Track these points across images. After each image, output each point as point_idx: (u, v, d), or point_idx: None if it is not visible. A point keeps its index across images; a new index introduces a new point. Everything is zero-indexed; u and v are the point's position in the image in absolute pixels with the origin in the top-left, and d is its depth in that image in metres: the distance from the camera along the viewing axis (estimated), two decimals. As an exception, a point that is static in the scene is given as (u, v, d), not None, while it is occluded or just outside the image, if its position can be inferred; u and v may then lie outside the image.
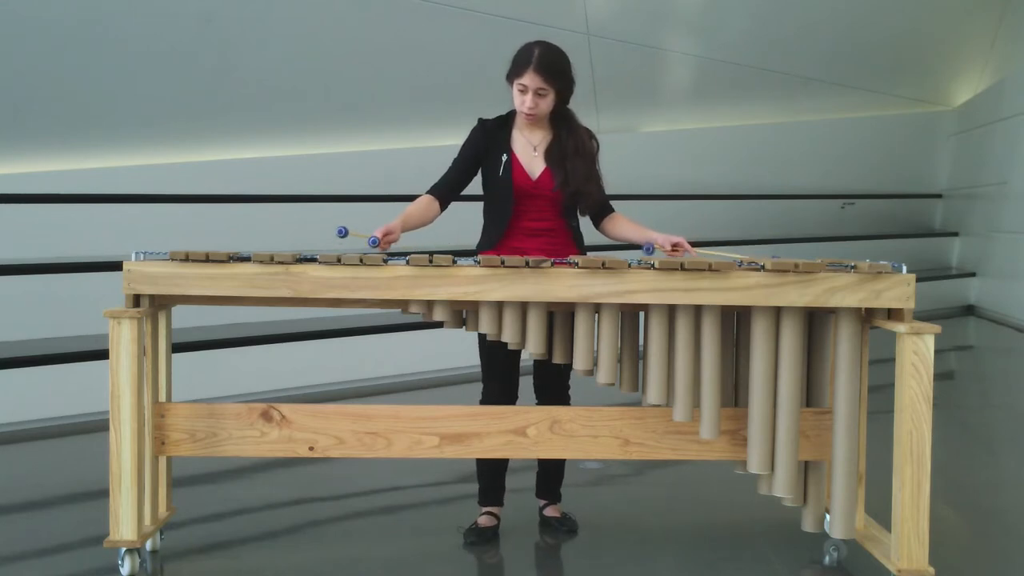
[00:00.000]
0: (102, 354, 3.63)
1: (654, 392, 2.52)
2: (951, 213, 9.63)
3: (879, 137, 9.16)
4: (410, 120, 6.54)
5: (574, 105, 2.85)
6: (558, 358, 2.60)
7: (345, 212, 5.68)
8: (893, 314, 2.47)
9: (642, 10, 7.27)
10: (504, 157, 2.78)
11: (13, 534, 2.92)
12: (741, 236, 7.54)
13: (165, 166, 5.77)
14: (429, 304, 2.51)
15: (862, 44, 8.35)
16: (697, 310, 2.50)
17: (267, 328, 5.01)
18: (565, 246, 2.81)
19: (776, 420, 2.50)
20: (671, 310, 2.51)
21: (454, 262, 2.44)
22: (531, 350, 2.54)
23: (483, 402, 2.79)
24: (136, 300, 2.48)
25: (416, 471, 3.46)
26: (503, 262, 2.42)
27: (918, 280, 2.48)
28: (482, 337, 2.72)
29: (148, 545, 2.67)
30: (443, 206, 2.81)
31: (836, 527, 2.52)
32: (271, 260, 2.43)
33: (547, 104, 2.74)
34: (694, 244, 2.71)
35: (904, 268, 2.44)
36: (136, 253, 2.46)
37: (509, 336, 2.51)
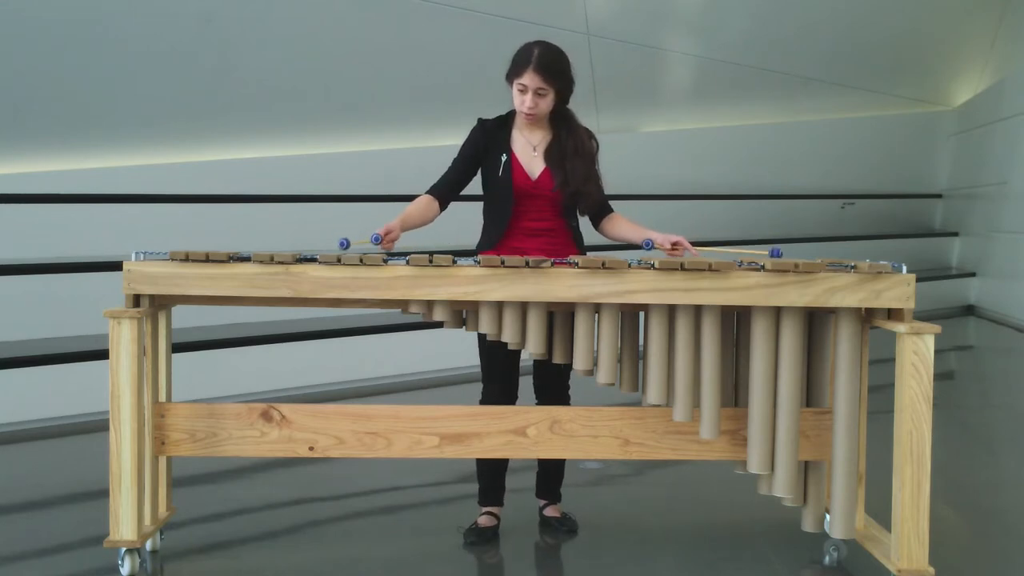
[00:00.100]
0: (102, 354, 3.63)
1: (654, 392, 2.52)
2: (951, 213, 9.63)
3: (879, 137, 9.16)
4: (410, 120, 6.54)
5: (574, 105, 2.85)
6: (558, 358, 2.60)
7: (345, 212, 5.71)
8: (893, 314, 2.47)
9: (642, 10, 7.27)
10: (504, 157, 2.78)
11: (13, 534, 2.92)
12: (741, 236, 7.54)
13: (165, 166, 5.77)
14: (429, 304, 2.51)
15: (862, 44, 8.35)
16: (697, 310, 2.50)
17: (267, 328, 5.01)
18: (565, 246, 2.81)
19: (776, 420, 2.50)
20: (671, 310, 2.51)
21: (454, 262, 2.44)
22: (531, 350, 2.54)
23: (483, 402, 2.79)
24: (136, 300, 2.48)
25: (416, 471, 3.46)
26: (503, 262, 2.42)
27: (918, 280, 2.48)
28: (482, 337, 2.72)
29: (148, 545, 2.67)
30: (443, 206, 2.81)
31: (836, 527, 2.52)
32: (271, 260, 2.43)
33: (547, 104, 2.74)
34: (694, 244, 2.71)
35: (904, 268, 2.45)
36: (136, 253, 2.46)
37: (509, 336, 2.51)
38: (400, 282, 2.43)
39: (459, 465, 3.31)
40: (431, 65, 6.37)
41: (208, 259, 2.44)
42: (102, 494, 2.56)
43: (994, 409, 5.16)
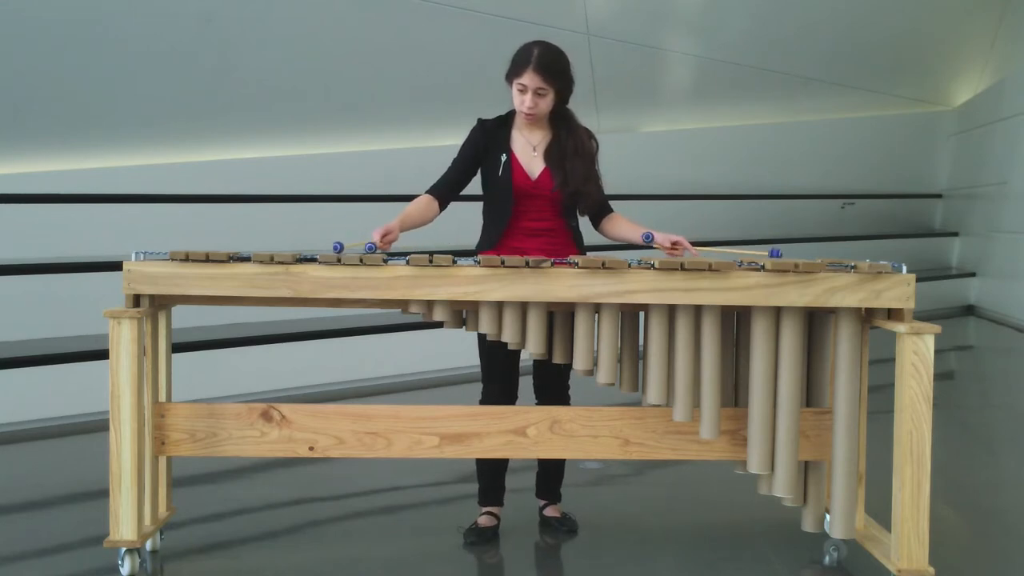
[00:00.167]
0: (102, 354, 3.63)
1: (654, 392, 2.52)
2: (951, 213, 9.63)
3: (879, 137, 9.16)
4: (410, 120, 6.54)
5: (574, 105, 2.85)
6: (558, 358, 2.60)
7: (345, 212, 5.70)
8: (893, 314, 2.47)
9: (642, 10, 7.27)
10: (503, 157, 2.78)
11: (13, 534, 2.92)
12: (741, 236, 7.54)
13: (165, 166, 5.77)
14: (429, 304, 2.51)
15: (862, 44, 8.35)
16: (697, 310, 2.50)
17: (267, 328, 5.01)
18: (565, 246, 2.81)
19: (776, 420, 2.50)
20: (671, 310, 2.51)
21: (454, 262, 2.44)
22: (531, 350, 2.54)
23: (483, 402, 2.79)
24: (136, 300, 2.48)
25: (416, 471, 3.46)
26: (503, 262, 2.42)
27: (918, 280, 2.48)
28: (482, 337, 2.72)
29: (148, 545, 2.67)
30: (442, 206, 2.81)
31: (836, 527, 2.52)
32: (271, 260, 2.43)
33: (546, 104, 2.74)
34: (694, 244, 2.71)
35: (904, 268, 2.45)
36: (136, 253, 2.46)
37: (509, 336, 2.51)
38: (400, 282, 2.43)
39: (459, 465, 3.31)
40: (431, 65, 6.37)
41: (208, 259, 2.44)
42: (102, 494, 2.56)
43: (994, 409, 5.16)
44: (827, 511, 2.61)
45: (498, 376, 2.80)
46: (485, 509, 2.90)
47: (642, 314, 2.56)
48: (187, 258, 2.44)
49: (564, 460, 2.97)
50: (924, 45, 8.87)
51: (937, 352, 2.39)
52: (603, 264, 2.42)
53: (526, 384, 2.84)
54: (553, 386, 2.87)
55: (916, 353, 2.36)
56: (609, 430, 2.60)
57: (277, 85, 5.90)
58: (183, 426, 2.57)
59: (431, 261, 2.43)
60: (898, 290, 2.41)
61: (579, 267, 2.43)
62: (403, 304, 2.52)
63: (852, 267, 2.43)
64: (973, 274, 8.85)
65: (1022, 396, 5.55)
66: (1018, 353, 7.01)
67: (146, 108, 5.54)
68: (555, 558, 2.79)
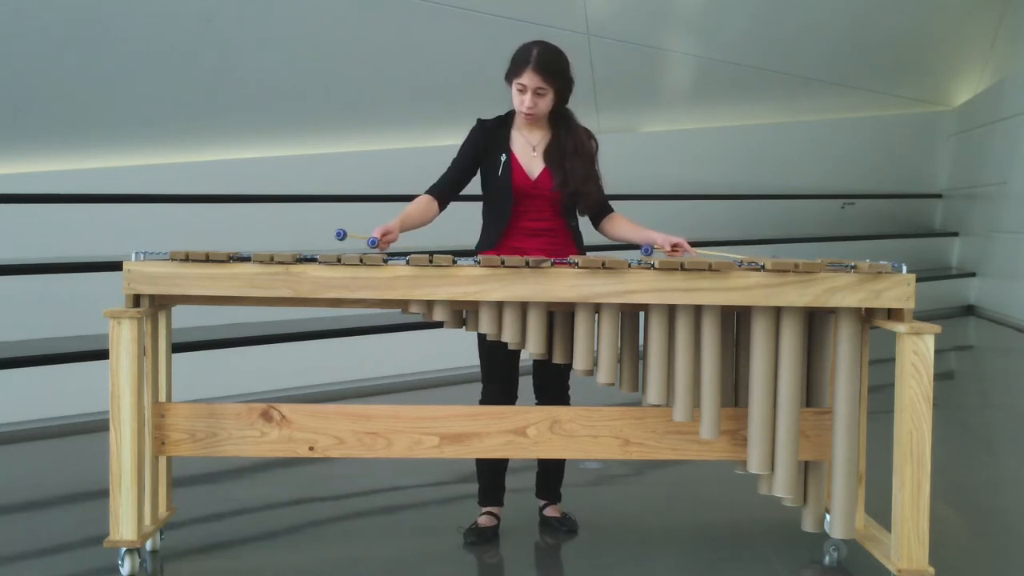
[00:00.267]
0: (102, 354, 3.62)
1: (654, 392, 2.52)
2: (951, 213, 9.63)
3: (879, 137, 9.16)
4: (410, 120, 6.54)
5: (573, 105, 2.85)
6: (558, 358, 2.60)
7: (345, 212, 5.69)
8: (893, 314, 2.47)
9: (642, 10, 7.27)
10: (503, 157, 2.78)
11: (13, 534, 2.92)
12: (741, 236, 7.54)
13: (165, 166, 5.77)
14: (429, 304, 2.51)
15: (862, 44, 8.35)
16: (697, 310, 2.50)
17: (267, 328, 5.01)
18: (564, 246, 2.81)
19: (776, 420, 2.50)
20: (671, 310, 2.51)
21: (454, 262, 2.44)
22: (531, 350, 2.54)
23: (483, 402, 2.79)
24: (136, 300, 2.48)
25: (416, 471, 3.46)
26: (503, 262, 2.42)
27: (918, 280, 2.48)
28: (482, 338, 2.72)
29: (148, 545, 2.67)
30: (442, 206, 2.81)
31: (836, 527, 2.52)
32: (271, 260, 2.43)
33: (546, 104, 2.74)
34: (694, 244, 2.71)
35: (904, 268, 2.44)
36: (136, 253, 2.46)
37: (509, 336, 2.51)
38: (400, 282, 2.43)
39: (459, 465, 3.31)
40: (431, 65, 6.36)
41: (208, 259, 2.44)
42: (102, 494, 2.56)
43: (994, 409, 5.16)
44: (827, 511, 2.61)
45: (498, 376, 2.80)
46: (485, 509, 2.90)
47: (642, 314, 2.56)
48: (187, 258, 2.44)
49: (564, 460, 2.97)
50: (924, 45, 8.87)
51: (937, 352, 2.39)
52: (603, 264, 2.42)
53: (526, 384, 2.84)
54: (553, 386, 2.87)
55: (916, 353, 2.36)
56: (609, 430, 2.60)
57: (277, 85, 5.90)
58: (183, 426, 2.57)
59: (431, 261, 2.43)
60: (898, 290, 2.41)
61: (579, 267, 2.43)
62: (403, 304, 2.52)
63: (852, 267, 2.43)
64: (973, 274, 8.85)
65: (1022, 396, 5.55)
66: (1018, 353, 7.01)
67: (146, 108, 5.54)
68: (555, 558, 2.79)
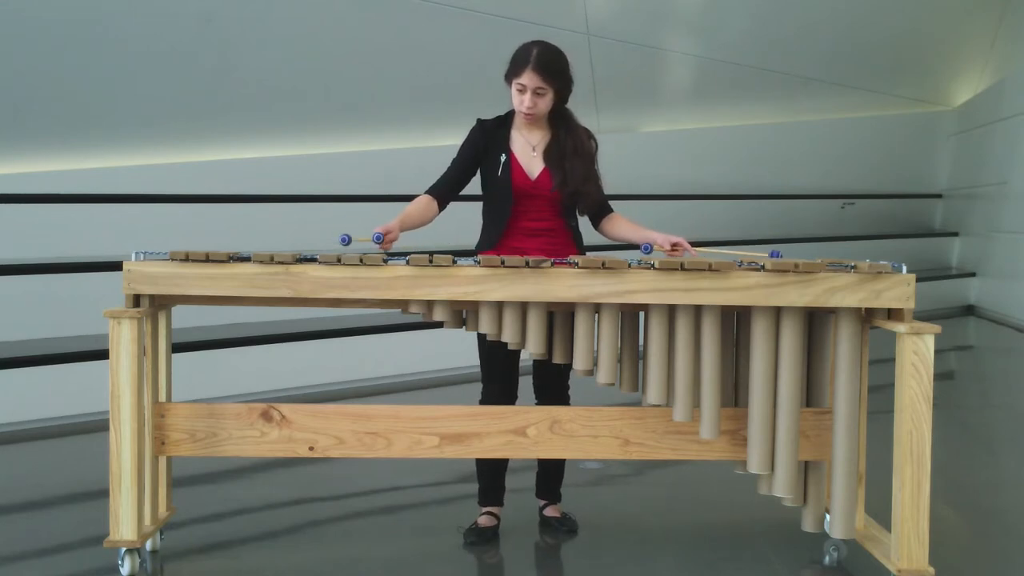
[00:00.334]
0: (102, 354, 3.63)
1: (654, 392, 2.52)
2: (951, 213, 9.63)
3: (879, 137, 9.16)
4: (410, 120, 6.54)
5: (573, 105, 2.85)
6: (558, 358, 2.60)
7: (345, 212, 5.71)
8: (893, 314, 2.47)
9: (642, 10, 7.27)
10: (503, 157, 2.78)
11: (13, 534, 2.92)
12: (741, 236, 7.54)
13: (165, 166, 5.77)
14: (429, 304, 2.51)
15: (862, 44, 8.35)
16: (697, 310, 2.50)
17: (267, 328, 5.01)
18: (564, 246, 2.81)
19: (776, 420, 2.50)
20: (671, 310, 2.51)
21: (454, 262, 2.44)
22: (531, 350, 2.54)
23: (483, 402, 2.79)
24: (136, 300, 2.48)
25: (416, 471, 3.46)
26: (503, 262, 2.42)
27: (918, 280, 2.48)
28: (481, 338, 2.72)
29: (148, 545, 2.67)
30: (442, 206, 2.81)
31: (836, 527, 2.52)
32: (271, 260, 2.43)
33: (545, 104, 2.74)
34: (694, 244, 2.71)
35: (904, 268, 2.44)
36: (136, 253, 2.46)
37: (509, 336, 2.51)
38: (400, 282, 2.43)
39: (459, 465, 3.31)
40: (431, 65, 6.36)
41: (208, 259, 2.44)
42: (102, 494, 2.56)
43: (994, 409, 5.16)
44: (827, 511, 2.61)
45: (498, 376, 2.80)
46: (485, 509, 2.90)
47: (642, 314, 2.56)
48: (187, 258, 2.44)
49: (564, 460, 2.97)
50: (924, 45, 8.87)
51: (937, 352, 2.39)
52: (603, 264, 2.42)
53: (526, 384, 2.84)
54: (553, 386, 2.87)
55: (916, 353, 2.36)
56: (609, 430, 2.60)
57: (277, 85, 5.90)
58: (183, 426, 2.57)
59: (431, 261, 2.43)
60: (898, 290, 2.41)
61: (579, 267, 2.43)
62: (403, 304, 2.52)
63: (852, 267, 2.43)
64: (973, 274, 8.85)
65: (1022, 396, 5.55)
66: (1018, 353, 7.01)
67: (146, 108, 5.54)
68: (555, 558, 2.79)
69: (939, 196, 9.80)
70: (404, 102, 6.46)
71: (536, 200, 2.78)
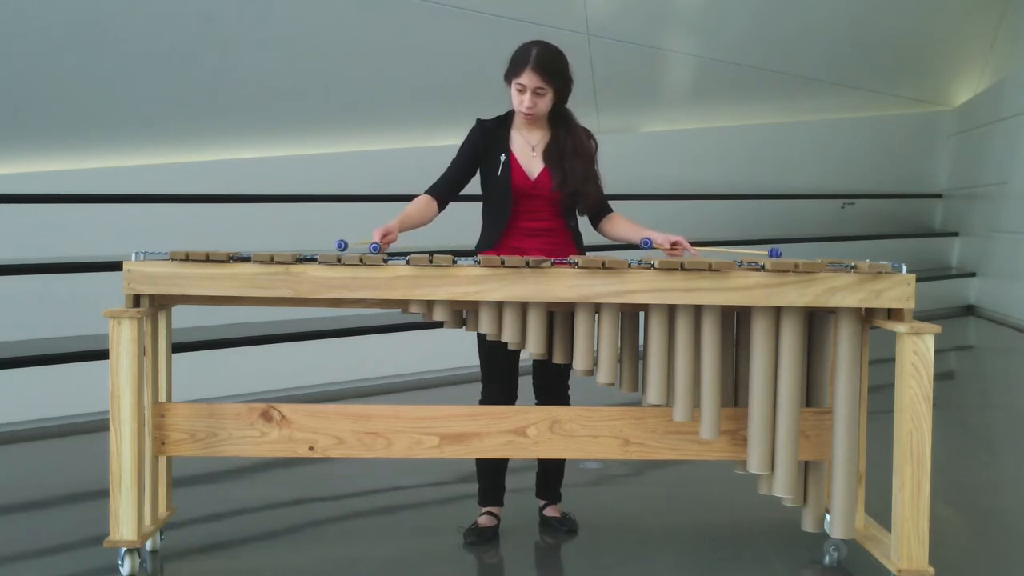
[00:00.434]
0: (102, 354, 3.63)
1: (654, 392, 2.52)
2: (951, 213, 9.63)
3: (879, 137, 9.16)
4: (410, 120, 6.54)
5: (573, 105, 2.85)
6: (558, 358, 2.60)
7: (345, 212, 5.71)
8: (893, 314, 2.47)
9: (642, 10, 7.27)
10: (502, 157, 2.78)
11: (13, 534, 2.92)
12: (741, 236, 7.54)
13: (165, 166, 5.77)
14: (429, 304, 2.51)
15: (862, 44, 8.35)
16: (697, 310, 2.50)
17: (267, 328, 5.01)
18: (564, 246, 2.81)
19: (776, 420, 2.50)
20: (671, 310, 2.51)
21: (454, 262, 2.44)
22: (531, 350, 2.54)
23: (483, 402, 2.79)
24: (136, 300, 2.49)
25: (416, 471, 3.46)
26: (503, 262, 2.43)
27: (918, 280, 2.48)
28: (481, 338, 2.72)
29: (148, 545, 2.67)
30: (441, 206, 2.81)
31: (836, 527, 2.52)
32: (271, 260, 2.43)
33: (545, 104, 2.74)
34: (694, 244, 2.71)
35: (904, 268, 2.45)
36: (136, 253, 2.46)
37: (509, 336, 2.51)
38: (400, 282, 2.43)
39: (459, 465, 3.31)
40: (431, 65, 6.36)
41: (208, 259, 2.44)
42: (102, 494, 2.56)
43: (994, 409, 5.16)
44: (827, 511, 2.61)
45: (498, 376, 2.80)
46: (485, 509, 2.90)
47: (642, 314, 2.56)
48: (187, 258, 2.44)
49: (564, 460, 2.97)
50: (924, 45, 8.87)
51: (937, 352, 2.39)
52: (603, 264, 2.42)
53: (526, 384, 2.84)
54: (553, 386, 2.87)
55: (916, 353, 2.36)
56: (609, 430, 2.60)
57: (277, 85, 5.90)
58: (183, 426, 2.57)
59: (431, 261, 2.43)
60: (898, 290, 2.41)
61: (579, 267, 2.43)
62: (403, 304, 2.52)
63: (852, 267, 2.43)
64: (973, 274, 8.85)
65: (1022, 396, 5.55)
66: (1018, 353, 7.01)
67: (146, 108, 5.54)
68: (555, 558, 2.79)
69: (939, 196, 9.80)
70: (404, 102, 6.46)
71: (536, 200, 2.78)
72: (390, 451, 2.59)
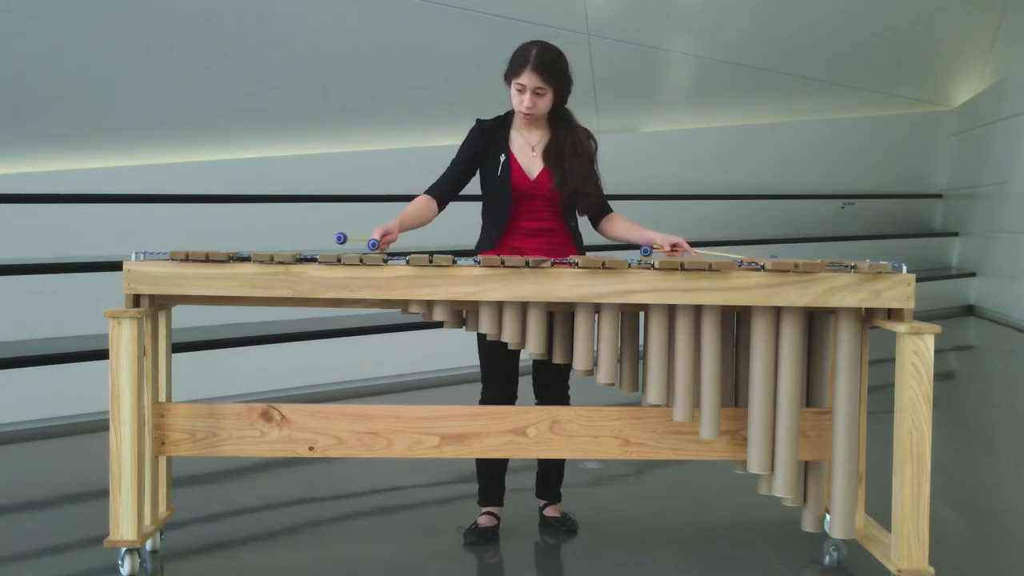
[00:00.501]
0: (102, 354, 3.63)
1: (654, 392, 2.52)
2: (951, 213, 9.63)
3: (879, 137, 9.16)
4: (410, 120, 6.54)
5: (573, 105, 2.85)
6: (558, 358, 2.60)
7: (345, 212, 5.71)
8: (893, 314, 2.47)
9: (642, 10, 7.27)
10: (502, 157, 2.78)
11: (13, 534, 2.92)
12: (741, 236, 7.54)
13: (165, 166, 5.77)
14: (429, 304, 2.51)
15: (862, 44, 8.35)
16: (697, 310, 2.50)
17: (267, 328, 5.01)
18: (564, 246, 2.81)
19: (776, 420, 2.50)
20: (671, 310, 2.51)
21: (454, 262, 2.44)
22: (531, 350, 2.54)
23: (483, 402, 2.79)
24: (136, 300, 2.49)
25: (416, 471, 3.46)
26: (503, 262, 2.43)
27: (918, 280, 2.48)
28: (481, 338, 2.72)
29: (148, 545, 2.67)
30: (441, 206, 2.81)
31: (836, 527, 2.52)
32: (271, 260, 2.43)
33: (545, 104, 2.74)
34: (694, 244, 2.71)
35: (904, 268, 2.45)
36: (136, 253, 2.46)
37: (509, 336, 2.51)
38: (400, 282, 2.43)
39: (459, 465, 3.31)
40: (431, 65, 6.37)
41: (208, 259, 2.44)
42: (102, 494, 2.56)
43: (994, 409, 5.16)
44: (827, 511, 2.61)
45: (498, 376, 2.80)
46: (485, 509, 2.90)
47: (642, 314, 2.56)
48: (187, 258, 2.44)
49: (564, 460, 2.97)
50: (924, 45, 8.87)
51: (937, 352, 2.39)
52: (603, 264, 2.42)
53: (526, 384, 2.84)
54: (553, 386, 2.87)
55: (916, 353, 2.36)
56: (609, 430, 2.60)
57: (277, 85, 5.90)
58: (183, 426, 2.57)
59: (431, 261, 2.43)
60: (898, 290, 2.41)
61: (579, 267, 2.43)
62: (403, 304, 2.52)
63: (852, 267, 2.43)
64: (973, 274, 8.85)
65: (1022, 396, 5.55)
66: (1018, 353, 7.01)
67: (146, 108, 5.54)
68: (555, 558, 2.79)
69: (939, 196, 9.80)
70: (404, 102, 6.46)
71: (535, 200, 2.78)
72: (390, 451, 2.59)
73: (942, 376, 5.72)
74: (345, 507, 3.21)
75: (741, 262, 2.47)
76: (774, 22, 7.75)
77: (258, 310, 4.82)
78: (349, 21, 5.92)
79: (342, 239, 2.54)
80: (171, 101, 5.59)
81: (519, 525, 2.94)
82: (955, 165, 9.62)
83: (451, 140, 3.05)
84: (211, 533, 2.91)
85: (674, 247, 2.69)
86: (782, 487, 2.51)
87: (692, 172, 7.95)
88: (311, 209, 5.89)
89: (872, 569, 2.53)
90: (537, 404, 2.84)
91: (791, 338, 2.47)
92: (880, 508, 2.63)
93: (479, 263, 2.45)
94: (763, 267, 2.43)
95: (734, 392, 2.62)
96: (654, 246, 2.69)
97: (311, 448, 2.58)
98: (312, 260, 2.45)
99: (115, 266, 2.64)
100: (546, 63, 2.68)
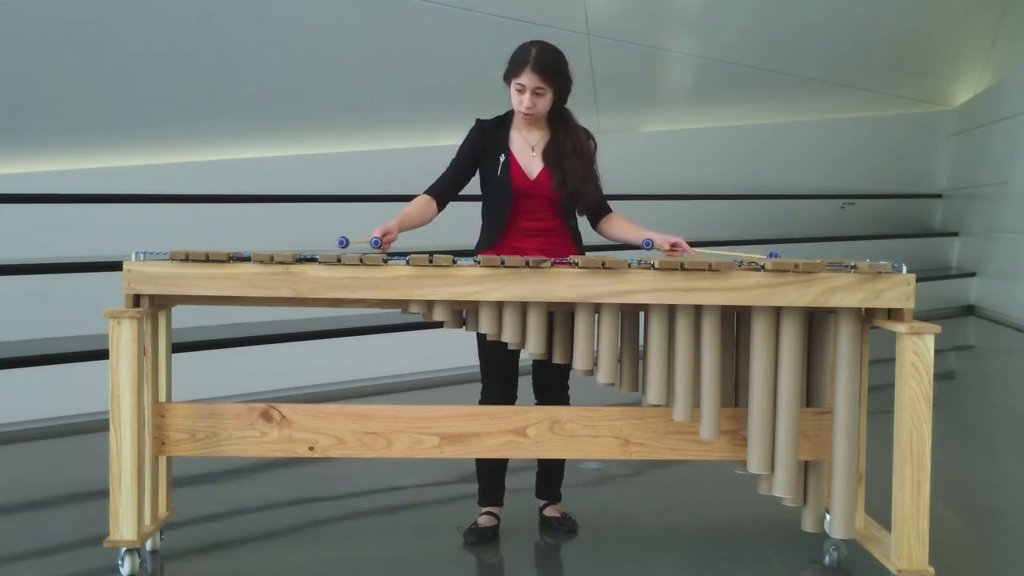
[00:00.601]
0: (102, 354, 3.63)
1: (654, 392, 2.52)
2: (951, 213, 9.63)
3: (879, 137, 9.16)
4: (410, 120, 6.54)
5: (573, 105, 2.85)
6: (558, 358, 2.60)
7: (345, 212, 5.71)
8: (893, 314, 2.47)
9: (642, 10, 7.27)
10: (502, 157, 2.78)
11: (13, 534, 2.92)
12: (741, 236, 7.54)
13: (165, 166, 5.77)
14: (429, 304, 2.51)
15: (862, 44, 8.35)
16: (697, 310, 2.50)
17: (267, 328, 5.01)
18: (564, 246, 2.81)
19: (776, 420, 2.50)
20: (671, 310, 2.51)
21: (454, 262, 2.44)
22: (531, 350, 2.54)
23: (483, 402, 2.79)
24: (136, 300, 2.49)
25: (416, 471, 3.46)
26: (503, 262, 2.42)
27: (918, 280, 2.48)
28: (481, 338, 2.72)
29: (148, 545, 2.67)
30: (441, 206, 2.81)
31: (836, 527, 2.52)
32: (271, 260, 2.43)
33: (545, 104, 2.74)
34: (694, 244, 2.71)
35: (904, 268, 2.45)
36: (136, 253, 2.46)
37: (509, 336, 2.51)
38: (400, 282, 2.43)
39: (459, 465, 3.31)
40: (431, 65, 6.37)
41: (208, 259, 2.44)
42: (102, 494, 2.56)
43: (994, 409, 5.16)
44: (827, 511, 2.61)
45: (498, 376, 2.80)
46: (485, 509, 2.90)
47: (642, 314, 2.56)
48: (187, 258, 2.44)
49: (564, 460, 2.97)
50: (924, 45, 8.87)
51: (937, 352, 2.39)
52: (603, 264, 2.42)
53: (526, 384, 2.84)
54: (553, 386, 2.87)
55: (916, 353, 2.36)
56: (609, 430, 2.60)
57: (277, 85, 5.90)
58: (183, 426, 2.57)
59: (431, 261, 2.43)
60: (898, 290, 2.41)
61: (579, 267, 2.43)
62: (403, 304, 2.52)
63: (852, 267, 2.43)
64: (973, 274, 8.85)
65: (1022, 396, 5.55)
66: (1018, 353, 7.01)
67: (146, 108, 5.54)
68: (555, 558, 2.79)
69: (939, 196, 9.80)
70: (404, 102, 6.46)
71: (535, 200, 2.78)
72: (390, 451, 2.59)
73: (942, 376, 5.72)
74: (345, 507, 3.21)
75: (741, 262, 2.48)
76: (774, 22, 7.75)
77: (258, 310, 4.82)
78: (349, 21, 5.92)
79: (344, 243, 2.54)
80: (171, 101, 5.59)
81: (519, 525, 2.94)
82: (955, 165, 9.62)
83: (451, 140, 3.05)
84: (211, 533, 2.91)
85: (673, 247, 2.69)
86: (782, 487, 2.51)
87: (692, 172, 7.95)
88: (311, 209, 5.89)
89: (872, 569, 2.53)
90: (537, 404, 2.84)
91: (791, 338, 2.47)
92: (880, 508, 2.63)
93: (479, 263, 2.45)
94: (763, 267, 2.43)
95: (734, 392, 2.62)
96: (654, 247, 2.69)
97: (311, 448, 2.58)
98: (312, 260, 2.45)
99: (115, 266, 2.64)
100: (546, 63, 2.68)
